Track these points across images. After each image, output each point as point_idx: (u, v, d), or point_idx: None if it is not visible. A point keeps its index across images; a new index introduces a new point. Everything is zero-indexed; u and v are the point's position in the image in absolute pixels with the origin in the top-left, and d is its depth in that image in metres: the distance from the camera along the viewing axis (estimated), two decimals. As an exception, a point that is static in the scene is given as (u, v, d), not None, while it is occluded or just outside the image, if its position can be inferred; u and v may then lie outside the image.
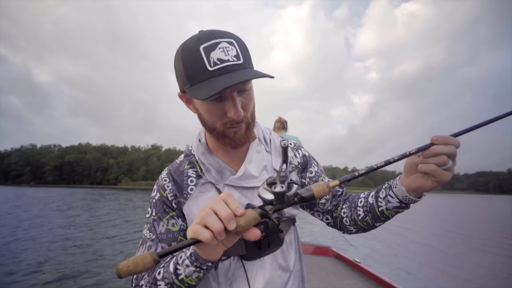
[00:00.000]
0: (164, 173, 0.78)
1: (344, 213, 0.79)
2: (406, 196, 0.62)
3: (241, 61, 0.61)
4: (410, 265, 7.06)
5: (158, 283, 0.61)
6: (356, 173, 0.53)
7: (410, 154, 0.54)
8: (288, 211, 0.77)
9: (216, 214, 0.46)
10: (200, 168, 0.76)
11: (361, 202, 0.74)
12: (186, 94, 0.67)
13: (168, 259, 0.62)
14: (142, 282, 0.64)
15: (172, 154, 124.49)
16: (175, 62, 0.66)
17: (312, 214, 0.87)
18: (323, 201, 0.82)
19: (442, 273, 6.58)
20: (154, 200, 0.74)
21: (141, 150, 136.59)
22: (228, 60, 0.59)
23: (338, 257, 3.83)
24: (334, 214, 0.82)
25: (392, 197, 0.65)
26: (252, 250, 0.71)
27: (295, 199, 0.51)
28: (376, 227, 0.74)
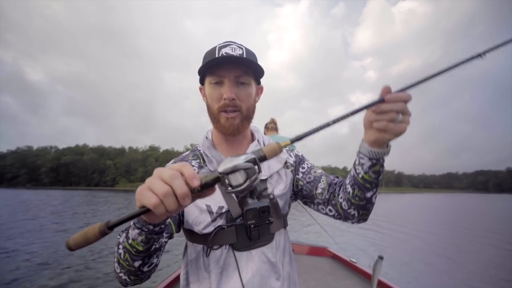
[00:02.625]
0: (169, 163, 0.84)
1: (341, 197, 0.80)
2: (371, 151, 0.65)
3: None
4: (408, 265, 6.97)
5: (119, 246, 0.64)
6: (309, 130, 0.54)
7: (360, 109, 0.57)
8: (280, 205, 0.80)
9: (172, 189, 0.44)
10: (203, 160, 0.83)
11: (347, 179, 0.77)
12: (203, 86, 0.83)
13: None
14: (115, 248, 0.67)
15: (170, 155, 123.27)
16: None
17: (317, 210, 0.88)
18: (319, 190, 0.84)
19: (439, 272, 6.51)
20: None
21: (138, 151, 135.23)
22: (233, 55, 0.73)
23: (334, 257, 3.81)
24: (333, 202, 0.82)
25: (362, 158, 0.68)
26: (243, 240, 0.74)
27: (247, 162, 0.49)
28: (370, 199, 0.74)
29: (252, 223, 0.66)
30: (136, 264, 0.62)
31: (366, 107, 0.57)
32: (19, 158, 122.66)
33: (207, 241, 0.73)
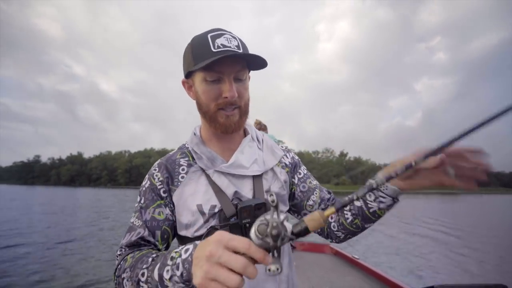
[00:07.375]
0: (155, 164, 0.80)
1: (331, 218, 0.79)
2: (400, 194, 0.66)
3: (240, 51, 0.69)
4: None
5: (141, 284, 0.58)
6: (355, 196, 0.49)
7: (416, 164, 0.50)
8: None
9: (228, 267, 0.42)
10: (192, 158, 0.78)
11: (348, 206, 0.75)
12: (188, 80, 0.76)
13: (150, 259, 0.59)
14: (124, 275, 0.61)
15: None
16: (185, 51, 0.74)
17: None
18: (310, 202, 0.83)
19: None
20: (144, 189, 0.76)
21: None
22: (230, 47, 0.67)
23: (336, 254, 3.85)
24: None
25: (384, 197, 0.67)
26: None
27: (289, 235, 0.43)
28: (366, 228, 0.76)
29: (247, 221, 0.64)
30: None
31: (417, 163, 0.50)
32: (101, 162, 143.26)
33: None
